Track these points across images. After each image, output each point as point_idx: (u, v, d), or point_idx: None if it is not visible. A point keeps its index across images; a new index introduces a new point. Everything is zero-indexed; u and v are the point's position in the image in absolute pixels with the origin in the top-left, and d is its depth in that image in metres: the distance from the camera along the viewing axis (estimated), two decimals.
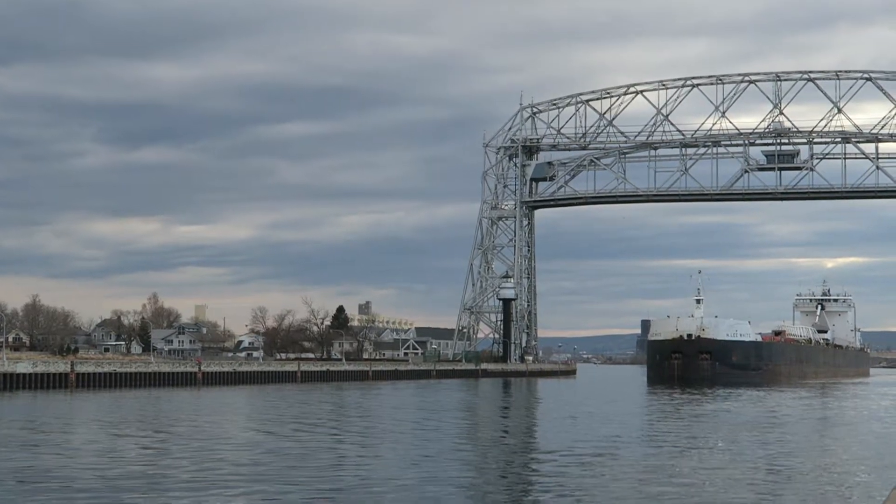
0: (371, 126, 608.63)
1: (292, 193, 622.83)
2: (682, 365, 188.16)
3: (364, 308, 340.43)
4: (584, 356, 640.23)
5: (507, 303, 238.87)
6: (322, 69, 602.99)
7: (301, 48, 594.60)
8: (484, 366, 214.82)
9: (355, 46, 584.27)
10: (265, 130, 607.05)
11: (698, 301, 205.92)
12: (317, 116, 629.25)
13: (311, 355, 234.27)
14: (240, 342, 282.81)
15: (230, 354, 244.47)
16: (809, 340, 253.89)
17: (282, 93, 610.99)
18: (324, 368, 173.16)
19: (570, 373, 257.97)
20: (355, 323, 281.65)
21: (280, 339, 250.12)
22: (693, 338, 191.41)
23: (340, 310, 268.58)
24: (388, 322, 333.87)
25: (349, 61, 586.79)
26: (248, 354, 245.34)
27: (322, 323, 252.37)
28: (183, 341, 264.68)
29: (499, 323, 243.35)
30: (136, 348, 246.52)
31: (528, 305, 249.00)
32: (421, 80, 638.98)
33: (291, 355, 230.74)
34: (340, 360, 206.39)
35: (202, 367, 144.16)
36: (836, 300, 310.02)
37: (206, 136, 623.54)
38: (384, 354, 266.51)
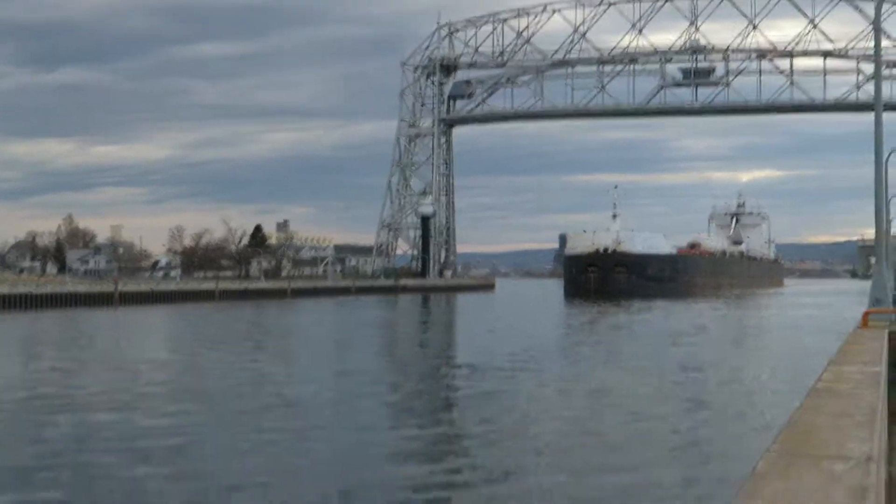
0: (290, 45, 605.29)
1: (210, 113, 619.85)
2: (599, 278, 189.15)
3: (282, 226, 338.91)
4: (503, 271, 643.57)
5: (425, 219, 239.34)
6: None
7: None
8: (403, 282, 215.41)
9: None
10: (183, 50, 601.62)
11: (614, 216, 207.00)
12: (235, 35, 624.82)
13: (228, 274, 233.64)
14: (157, 262, 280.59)
15: (147, 274, 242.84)
16: (724, 253, 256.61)
17: (200, 12, 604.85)
18: (242, 287, 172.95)
19: (488, 287, 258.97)
20: (273, 241, 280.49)
21: (198, 258, 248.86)
22: (609, 251, 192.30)
23: (258, 228, 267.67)
24: (306, 240, 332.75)
25: None
26: (166, 274, 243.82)
27: (240, 242, 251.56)
28: (99, 261, 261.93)
29: (417, 239, 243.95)
30: (51, 269, 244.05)
31: (447, 222, 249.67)
32: None
33: (209, 274, 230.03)
34: (259, 278, 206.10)
35: (119, 287, 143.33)
36: (750, 213, 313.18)
37: (123, 56, 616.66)
38: (303, 272, 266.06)
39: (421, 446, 28.82)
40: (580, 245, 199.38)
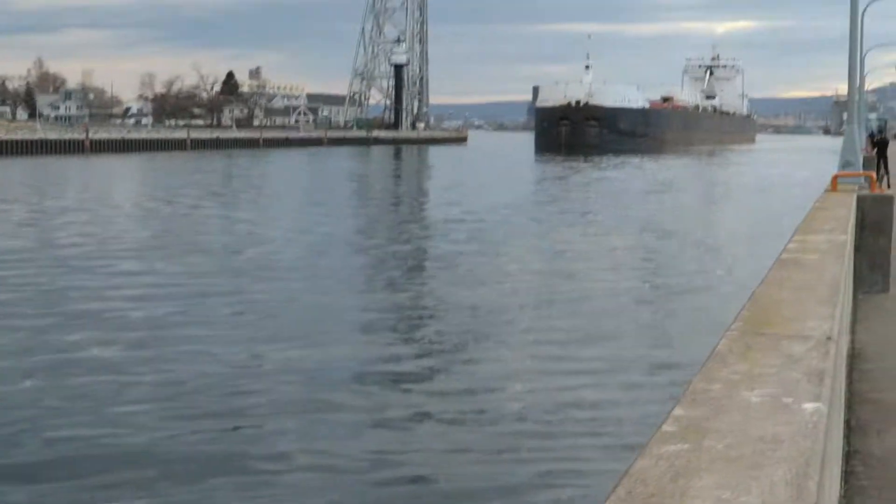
0: None
1: None
2: (570, 132, 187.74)
3: (255, 73, 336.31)
4: (476, 123, 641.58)
5: (398, 68, 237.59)
6: None
7: None
8: (375, 133, 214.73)
9: None
10: None
11: (587, 67, 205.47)
12: None
13: (200, 122, 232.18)
14: (128, 109, 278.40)
15: (118, 121, 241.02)
16: (697, 107, 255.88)
17: None
18: (214, 136, 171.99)
19: (461, 140, 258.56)
20: (246, 89, 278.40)
21: (169, 105, 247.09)
22: (581, 104, 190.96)
23: (230, 75, 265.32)
24: (279, 88, 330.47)
25: None
26: (137, 121, 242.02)
27: (212, 89, 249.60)
28: (70, 107, 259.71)
29: (390, 89, 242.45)
30: (21, 115, 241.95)
31: (421, 71, 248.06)
32: None
33: (181, 122, 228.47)
34: (230, 126, 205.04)
35: (90, 135, 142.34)
36: (724, 66, 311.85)
37: None
38: (275, 121, 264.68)
39: (389, 306, 28.90)
40: (552, 97, 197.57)
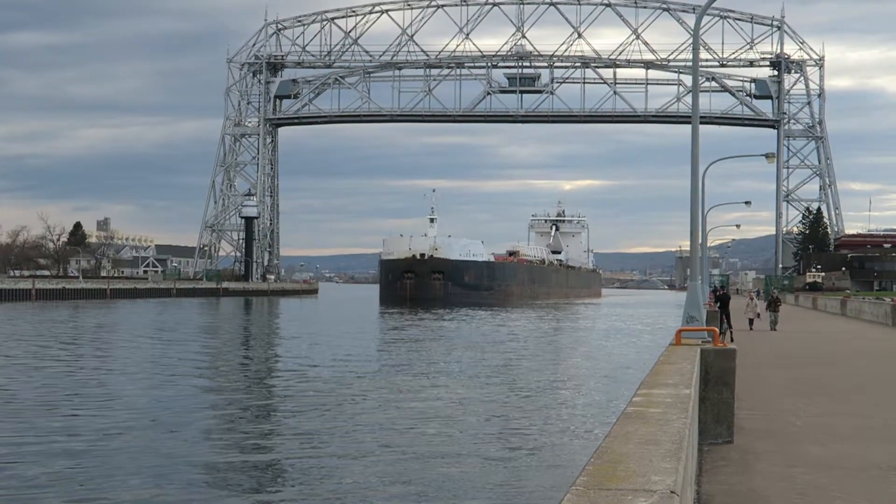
0: (108, 37, 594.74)
1: (26, 105, 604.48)
2: (415, 285, 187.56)
3: (102, 224, 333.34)
4: (327, 275, 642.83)
5: (249, 221, 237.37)
6: None
7: None
8: (225, 284, 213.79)
9: None
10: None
11: (432, 220, 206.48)
12: (51, 25, 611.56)
13: (46, 273, 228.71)
14: None
15: None
16: (543, 261, 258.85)
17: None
18: (60, 286, 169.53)
19: (311, 292, 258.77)
20: (93, 240, 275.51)
21: (14, 255, 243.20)
22: (426, 257, 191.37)
23: (78, 226, 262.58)
24: (127, 239, 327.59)
25: None
26: None
27: (58, 239, 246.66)
28: None
29: (241, 241, 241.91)
30: None
31: (271, 224, 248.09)
32: None
33: (26, 272, 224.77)
34: (77, 277, 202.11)
35: None
36: (570, 221, 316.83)
37: None
38: (123, 272, 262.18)
39: (234, 472, 28.54)
40: (397, 250, 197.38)
